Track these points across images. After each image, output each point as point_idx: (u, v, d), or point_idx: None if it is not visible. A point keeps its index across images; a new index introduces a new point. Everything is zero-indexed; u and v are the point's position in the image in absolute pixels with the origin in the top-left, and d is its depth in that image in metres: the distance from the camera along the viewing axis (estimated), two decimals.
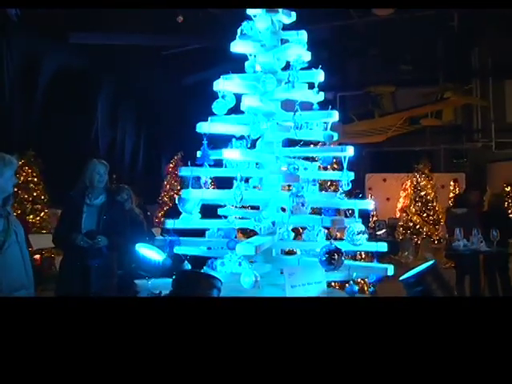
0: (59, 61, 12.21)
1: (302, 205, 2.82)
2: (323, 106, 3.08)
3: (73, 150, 11.37)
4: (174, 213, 3.28)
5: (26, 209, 9.36)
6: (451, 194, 12.91)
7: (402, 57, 15.20)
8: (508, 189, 12.53)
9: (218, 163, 2.96)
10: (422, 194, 10.56)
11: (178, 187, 12.46)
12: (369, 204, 3.14)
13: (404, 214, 11.01)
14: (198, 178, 2.92)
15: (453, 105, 15.22)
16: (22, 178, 9.22)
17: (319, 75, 2.99)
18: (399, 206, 12.95)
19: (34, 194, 9.62)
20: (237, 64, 3.20)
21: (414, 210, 10.50)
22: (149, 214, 10.82)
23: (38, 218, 9.53)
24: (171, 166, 12.79)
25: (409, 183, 12.11)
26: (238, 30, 3.01)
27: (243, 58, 3.08)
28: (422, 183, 10.65)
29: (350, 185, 3.01)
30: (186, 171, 2.81)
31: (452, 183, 13.27)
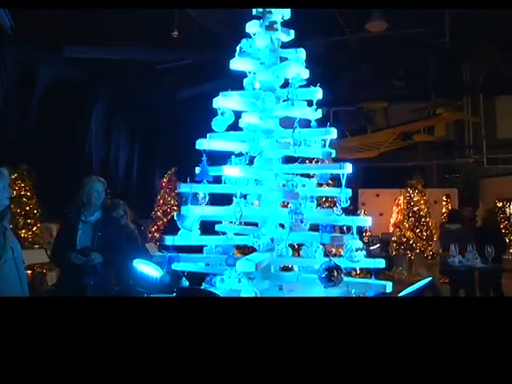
0: (54, 73, 12.19)
1: (301, 221, 2.83)
2: (318, 121, 3.10)
3: (66, 164, 11.35)
4: (172, 229, 3.28)
5: (18, 223, 9.28)
6: (444, 210, 12.98)
7: (394, 73, 15.35)
8: (500, 204, 12.62)
9: (217, 179, 2.97)
10: (415, 209, 10.59)
11: (172, 202, 12.45)
12: (366, 221, 3.14)
13: (397, 230, 11.04)
14: (196, 194, 2.93)
15: (445, 121, 15.36)
16: (14, 192, 9.14)
17: (317, 93, 3.01)
18: (392, 221, 12.97)
19: (27, 208, 9.53)
20: (232, 79, 3.22)
21: (407, 225, 10.52)
22: (142, 228, 10.79)
23: (30, 233, 9.43)
24: (165, 180, 12.76)
25: (402, 198, 12.15)
26: (237, 48, 3.04)
27: (238, 72, 3.11)
28: (415, 199, 10.69)
29: (349, 202, 3.03)
30: (185, 188, 2.81)
31: (444, 198, 13.34)
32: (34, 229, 9.45)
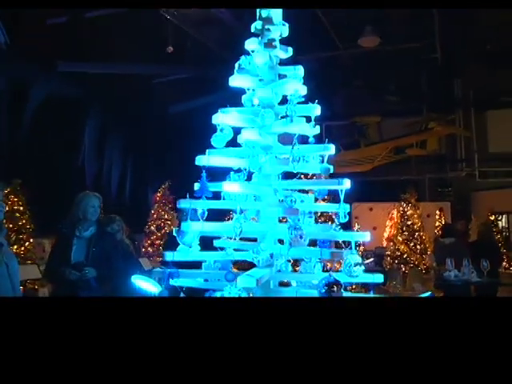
0: (47, 89, 12.21)
1: (301, 237, 2.84)
2: (314, 137, 3.13)
3: (59, 179, 11.32)
4: (170, 245, 3.27)
5: (10, 239, 9.20)
6: (437, 223, 13.03)
7: (387, 87, 15.50)
8: (492, 217, 12.69)
9: (215, 195, 2.98)
10: (409, 223, 10.62)
11: (166, 216, 12.43)
12: (365, 236, 3.15)
13: (391, 244, 11.06)
14: (195, 210, 2.93)
15: (437, 135, 15.49)
16: (7, 208, 9.08)
17: (316, 109, 3.04)
18: (386, 235, 13.01)
19: (20, 223, 9.47)
20: (225, 95, 3.25)
21: (401, 239, 10.55)
22: (136, 243, 10.75)
23: (23, 249, 9.35)
24: (158, 194, 12.75)
25: (395, 212, 12.18)
26: (236, 65, 3.06)
27: (231, 88, 3.13)
28: (408, 212, 10.72)
29: (347, 217, 3.04)
30: (184, 203, 2.82)
31: (438, 212, 13.40)
32: (26, 244, 9.39)
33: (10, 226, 9.22)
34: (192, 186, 2.94)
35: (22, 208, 9.51)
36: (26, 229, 9.49)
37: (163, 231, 12.05)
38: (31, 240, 9.45)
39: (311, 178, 5.80)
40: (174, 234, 2.91)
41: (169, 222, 12.22)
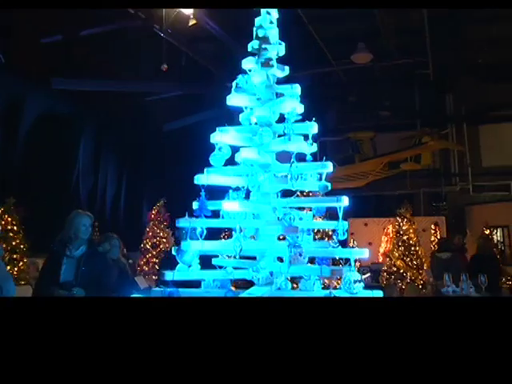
0: (41, 106, 12.22)
1: (300, 255, 2.84)
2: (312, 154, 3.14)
3: (54, 197, 11.28)
4: (168, 263, 3.25)
5: (3, 259, 9.12)
6: (432, 238, 13.04)
7: (380, 103, 15.62)
8: (487, 231, 12.71)
9: (214, 213, 2.98)
10: (405, 238, 10.61)
11: (161, 234, 12.37)
12: (364, 253, 3.15)
13: (387, 259, 11.05)
14: (194, 229, 2.93)
15: (431, 149, 15.60)
16: (0, 227, 9.03)
17: (313, 127, 3.06)
18: (381, 250, 13.01)
19: (13, 243, 9.38)
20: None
21: (397, 254, 10.52)
22: (131, 261, 10.70)
23: (16, 269, 9.24)
24: (154, 212, 12.70)
25: (390, 227, 12.19)
26: (233, 84, 3.08)
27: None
28: (404, 227, 10.71)
29: (346, 234, 3.05)
30: (184, 222, 2.81)
31: (433, 227, 13.42)
32: (20, 264, 9.28)
33: (4, 245, 9.14)
34: (187, 204, 2.95)
35: (15, 227, 9.43)
36: (20, 248, 9.39)
37: (158, 249, 11.98)
38: (25, 260, 9.36)
39: (307, 195, 5.83)
40: (174, 252, 2.90)
41: (164, 240, 12.16)
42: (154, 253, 11.99)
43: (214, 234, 2.98)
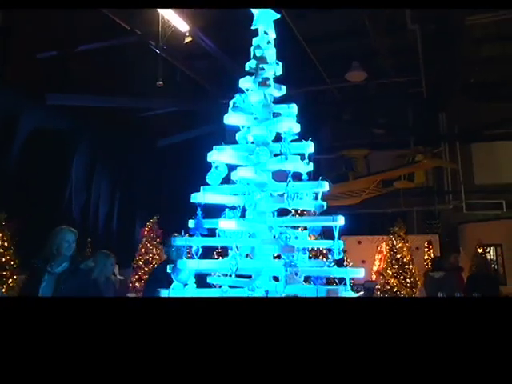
0: (35, 121, 12.20)
1: (296, 274, 2.84)
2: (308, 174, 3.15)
3: (47, 212, 11.21)
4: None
5: None
6: (426, 256, 13.04)
7: (374, 121, 15.72)
8: (480, 250, 12.73)
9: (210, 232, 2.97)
10: (398, 256, 10.62)
11: (154, 250, 12.30)
12: (360, 272, 3.14)
13: (381, 277, 11.04)
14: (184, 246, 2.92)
15: (424, 168, 15.67)
16: None
17: (309, 147, 3.07)
18: (375, 268, 13.00)
19: (3, 259, 9.22)
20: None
21: (390, 272, 10.52)
22: (123, 278, 10.62)
23: (5, 286, 9.07)
24: (147, 229, 12.65)
25: (384, 245, 12.19)
26: (231, 103, 3.09)
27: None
28: (397, 246, 10.73)
29: (342, 253, 3.04)
30: (180, 241, 2.81)
31: (426, 245, 13.43)
32: (9, 281, 9.11)
33: None
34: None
35: (6, 243, 9.29)
36: (10, 265, 9.24)
37: (151, 266, 11.92)
38: (15, 277, 9.19)
39: (301, 214, 5.83)
40: (169, 270, 2.88)
41: (157, 257, 12.10)
42: (147, 269, 11.90)
43: (207, 252, 2.97)
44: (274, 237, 3.03)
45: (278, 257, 3.09)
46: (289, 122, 3.04)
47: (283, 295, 2.97)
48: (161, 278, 3.41)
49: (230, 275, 2.85)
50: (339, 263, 3.06)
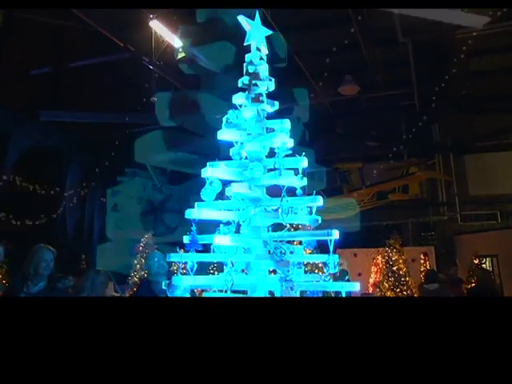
0: (28, 138, 12.18)
1: (292, 288, 2.83)
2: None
3: (40, 231, 11.18)
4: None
5: None
6: (422, 268, 13.01)
7: (367, 134, 15.78)
8: (476, 261, 12.73)
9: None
10: (395, 268, 10.60)
11: None
12: (355, 286, 3.14)
13: (377, 290, 11.01)
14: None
15: (418, 179, 15.71)
16: None
17: (303, 162, 3.07)
18: (371, 281, 12.96)
19: None
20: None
21: (387, 285, 10.50)
22: (118, 295, 10.54)
23: None
24: (141, 245, 12.56)
25: (380, 258, 12.17)
26: (224, 119, 3.11)
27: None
28: (393, 258, 10.71)
29: (338, 267, 3.04)
30: (175, 257, 2.81)
31: (422, 257, 13.41)
32: None
33: None
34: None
35: None
36: (2, 283, 9.19)
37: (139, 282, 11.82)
38: None
39: (296, 227, 5.82)
40: (164, 287, 2.88)
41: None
42: (140, 285, 11.80)
43: (202, 267, 2.96)
44: (269, 252, 3.02)
45: (274, 272, 3.09)
46: (282, 137, 3.06)
47: None
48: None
49: (226, 291, 2.84)
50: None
